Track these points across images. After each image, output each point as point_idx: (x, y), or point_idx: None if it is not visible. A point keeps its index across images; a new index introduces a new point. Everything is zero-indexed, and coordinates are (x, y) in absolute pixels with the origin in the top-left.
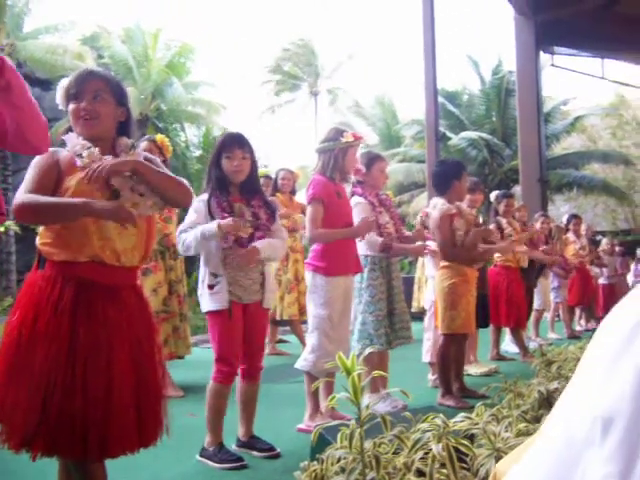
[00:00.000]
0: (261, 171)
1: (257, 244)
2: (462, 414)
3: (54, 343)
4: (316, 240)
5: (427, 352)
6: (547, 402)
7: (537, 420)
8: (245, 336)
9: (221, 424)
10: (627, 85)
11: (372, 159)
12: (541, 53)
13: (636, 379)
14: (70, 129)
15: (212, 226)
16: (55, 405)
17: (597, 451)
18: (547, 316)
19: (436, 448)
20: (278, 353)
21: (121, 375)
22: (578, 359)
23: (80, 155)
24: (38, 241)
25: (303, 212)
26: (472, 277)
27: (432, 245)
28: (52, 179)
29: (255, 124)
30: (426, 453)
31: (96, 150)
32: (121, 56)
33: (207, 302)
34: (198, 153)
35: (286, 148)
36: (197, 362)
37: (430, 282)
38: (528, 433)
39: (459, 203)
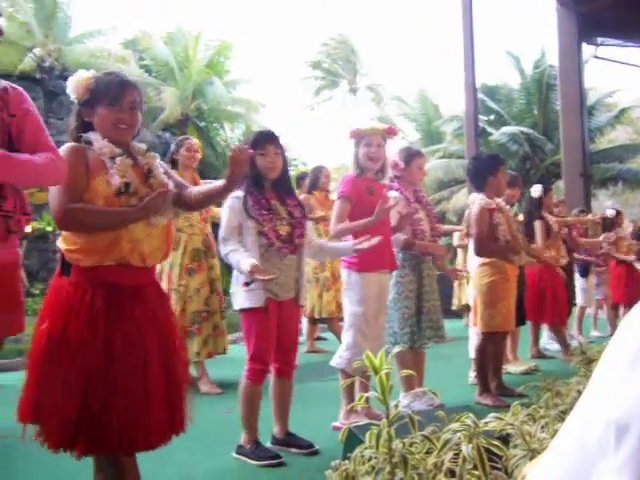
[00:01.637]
0: (299, 169)
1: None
2: (492, 414)
3: (91, 347)
4: (337, 235)
5: (472, 348)
6: None
7: None
8: (279, 333)
9: (256, 422)
10: None
11: (411, 155)
12: (584, 45)
13: None
14: (84, 126)
15: (245, 265)
16: (96, 405)
17: (610, 459)
18: (590, 313)
19: (466, 449)
20: (316, 350)
21: (154, 370)
22: None
23: (112, 159)
24: (63, 247)
25: None
26: (512, 275)
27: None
28: (83, 179)
29: (294, 122)
30: (457, 454)
31: (128, 160)
32: (163, 58)
33: (242, 300)
34: None
35: (325, 146)
36: (236, 359)
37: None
38: None
39: (498, 199)
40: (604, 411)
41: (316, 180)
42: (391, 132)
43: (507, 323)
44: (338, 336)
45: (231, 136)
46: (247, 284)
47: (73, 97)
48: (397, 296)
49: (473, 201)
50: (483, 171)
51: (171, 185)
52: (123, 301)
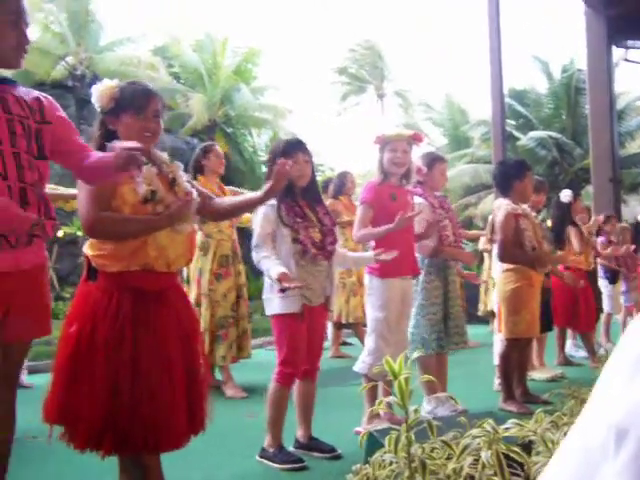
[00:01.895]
0: (326, 175)
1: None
2: (512, 420)
3: (118, 350)
4: (359, 241)
5: (497, 355)
6: None
7: None
8: (308, 337)
9: (282, 425)
10: None
11: (433, 160)
12: (614, 48)
13: None
14: (108, 135)
15: (274, 273)
16: (122, 406)
17: (611, 463)
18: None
19: (485, 455)
20: (341, 356)
21: (177, 371)
22: None
23: (138, 167)
24: (90, 253)
25: None
26: (537, 281)
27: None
28: (110, 188)
29: (321, 128)
30: (476, 459)
31: (153, 169)
32: (192, 65)
33: (278, 305)
34: (266, 157)
35: (352, 152)
36: (260, 364)
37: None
38: None
39: (523, 205)
40: (605, 416)
41: (341, 186)
42: (417, 138)
43: (531, 329)
44: (363, 341)
45: (258, 142)
46: (283, 290)
47: (97, 106)
48: (424, 302)
49: (499, 206)
50: (509, 176)
51: (195, 194)
52: (148, 305)
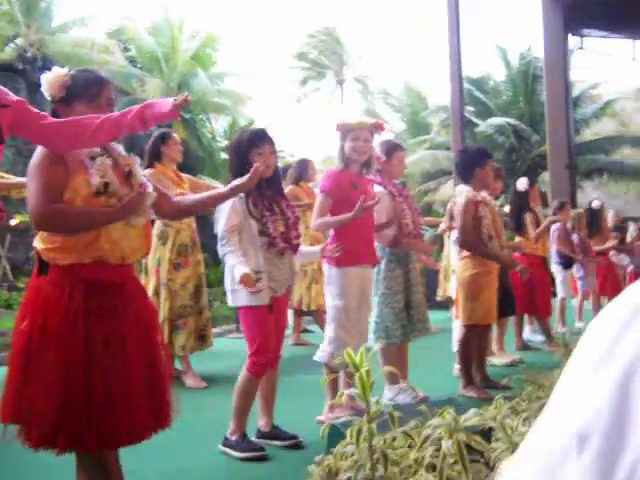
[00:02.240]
0: (286, 161)
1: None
2: (474, 409)
3: (70, 344)
4: (317, 229)
5: (456, 341)
6: None
7: None
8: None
9: (247, 415)
10: None
11: (392, 148)
12: (570, 36)
13: (614, 394)
14: None
15: (237, 274)
16: (78, 402)
17: (573, 465)
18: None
19: (446, 444)
20: (302, 343)
21: (135, 365)
22: None
23: (92, 159)
24: (40, 246)
25: None
26: (495, 268)
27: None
28: (61, 179)
29: (280, 114)
30: (437, 449)
31: (108, 161)
32: (148, 49)
33: (246, 297)
34: (224, 143)
35: (312, 138)
36: (221, 353)
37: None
38: None
39: (483, 192)
40: (568, 420)
41: (302, 172)
42: (378, 127)
43: (489, 315)
44: (322, 327)
45: (217, 128)
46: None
47: (48, 95)
48: (387, 291)
49: (459, 193)
50: (470, 164)
51: (150, 187)
52: (102, 298)
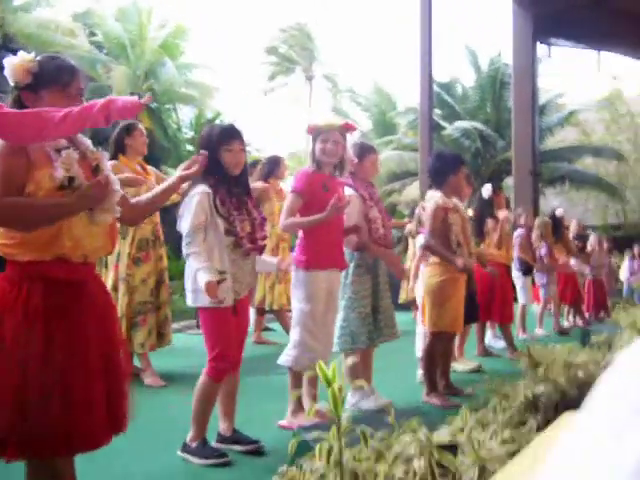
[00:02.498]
0: (253, 156)
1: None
2: (444, 428)
3: (26, 345)
4: (286, 230)
5: (419, 347)
6: (533, 406)
7: (522, 424)
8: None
9: (207, 420)
10: (622, 79)
11: (364, 150)
12: (538, 45)
13: None
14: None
15: (201, 281)
16: (32, 406)
17: None
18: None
19: (417, 463)
20: (263, 342)
21: (94, 368)
22: (565, 362)
23: (58, 151)
24: None
25: None
26: (461, 275)
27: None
28: (21, 172)
29: (248, 107)
30: (408, 466)
31: (74, 154)
32: (114, 34)
33: (208, 298)
34: (190, 135)
35: (279, 133)
36: (180, 350)
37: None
38: (512, 441)
39: (455, 199)
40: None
41: (273, 169)
42: (349, 128)
43: (455, 323)
44: (286, 329)
45: (183, 119)
46: (217, 283)
47: (12, 80)
48: (354, 296)
49: (429, 198)
50: (444, 169)
51: (118, 185)
52: (62, 296)
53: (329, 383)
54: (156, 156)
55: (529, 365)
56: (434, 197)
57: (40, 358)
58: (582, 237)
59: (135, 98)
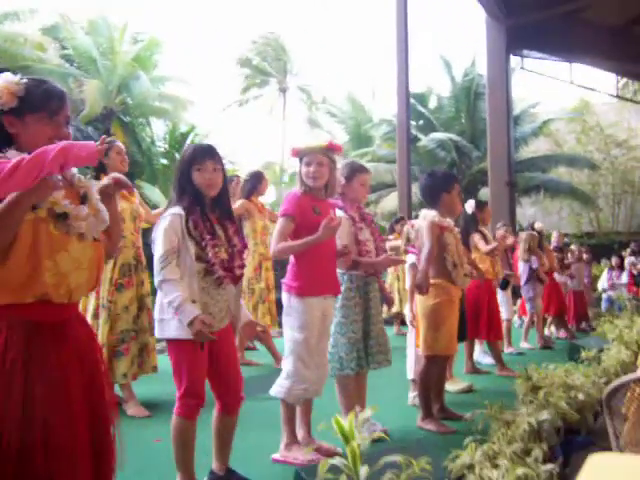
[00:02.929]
0: (229, 170)
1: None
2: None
3: (5, 398)
4: (278, 254)
5: (410, 369)
6: (537, 434)
7: (527, 454)
8: (216, 368)
9: (192, 461)
10: (593, 90)
11: (354, 170)
12: (511, 56)
13: None
14: (3, 138)
15: (188, 315)
16: (10, 463)
17: None
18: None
19: None
20: (247, 363)
21: (79, 418)
22: (565, 384)
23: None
24: None
25: (271, 219)
26: (457, 296)
27: (414, 259)
28: None
29: (222, 120)
30: None
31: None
32: (85, 48)
33: (174, 330)
34: (164, 148)
35: (253, 145)
36: (163, 374)
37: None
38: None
39: (448, 219)
40: None
41: (255, 186)
42: (333, 148)
43: (450, 346)
44: (270, 348)
45: (157, 133)
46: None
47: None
48: (343, 320)
49: (424, 217)
50: (437, 188)
51: (106, 216)
52: (44, 341)
53: (347, 440)
54: (130, 171)
55: (527, 389)
56: (429, 215)
57: (19, 413)
58: (560, 248)
59: (92, 143)
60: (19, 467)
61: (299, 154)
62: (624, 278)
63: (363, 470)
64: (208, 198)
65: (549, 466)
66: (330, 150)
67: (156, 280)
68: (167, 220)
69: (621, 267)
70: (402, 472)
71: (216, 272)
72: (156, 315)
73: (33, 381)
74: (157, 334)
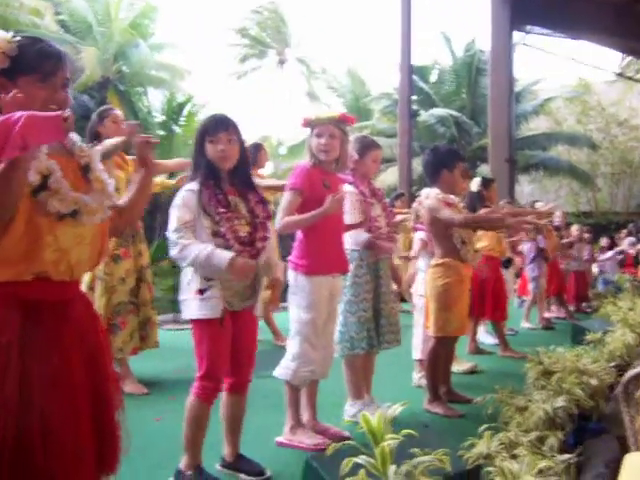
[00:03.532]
0: None
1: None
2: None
3: (1, 382)
4: (283, 229)
5: (416, 349)
6: (552, 422)
7: (541, 441)
8: (234, 347)
9: (201, 444)
10: (596, 68)
11: (366, 146)
12: (514, 32)
13: None
14: None
15: (223, 260)
16: (8, 452)
17: None
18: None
19: None
20: None
21: (81, 403)
22: (578, 369)
23: None
24: None
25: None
26: (467, 276)
27: (423, 235)
28: None
29: (220, 90)
30: None
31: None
32: (81, 14)
33: (195, 309)
34: (161, 119)
35: (250, 117)
36: (161, 349)
37: (420, 275)
38: (548, 473)
39: (452, 196)
40: None
41: (255, 158)
42: (345, 120)
43: (462, 327)
44: (269, 324)
45: (153, 102)
46: (201, 291)
47: None
48: (353, 299)
49: (427, 195)
50: (438, 165)
51: (112, 186)
52: (44, 322)
53: (377, 441)
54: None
55: (539, 373)
56: (432, 193)
57: (17, 399)
58: (559, 228)
59: (53, 115)
60: (15, 456)
61: (310, 124)
62: (609, 253)
63: (391, 470)
64: (224, 171)
65: (566, 456)
66: (342, 122)
67: (173, 254)
68: (180, 197)
69: (610, 249)
70: (419, 465)
71: (232, 247)
72: (180, 295)
73: (30, 365)
74: (183, 315)
